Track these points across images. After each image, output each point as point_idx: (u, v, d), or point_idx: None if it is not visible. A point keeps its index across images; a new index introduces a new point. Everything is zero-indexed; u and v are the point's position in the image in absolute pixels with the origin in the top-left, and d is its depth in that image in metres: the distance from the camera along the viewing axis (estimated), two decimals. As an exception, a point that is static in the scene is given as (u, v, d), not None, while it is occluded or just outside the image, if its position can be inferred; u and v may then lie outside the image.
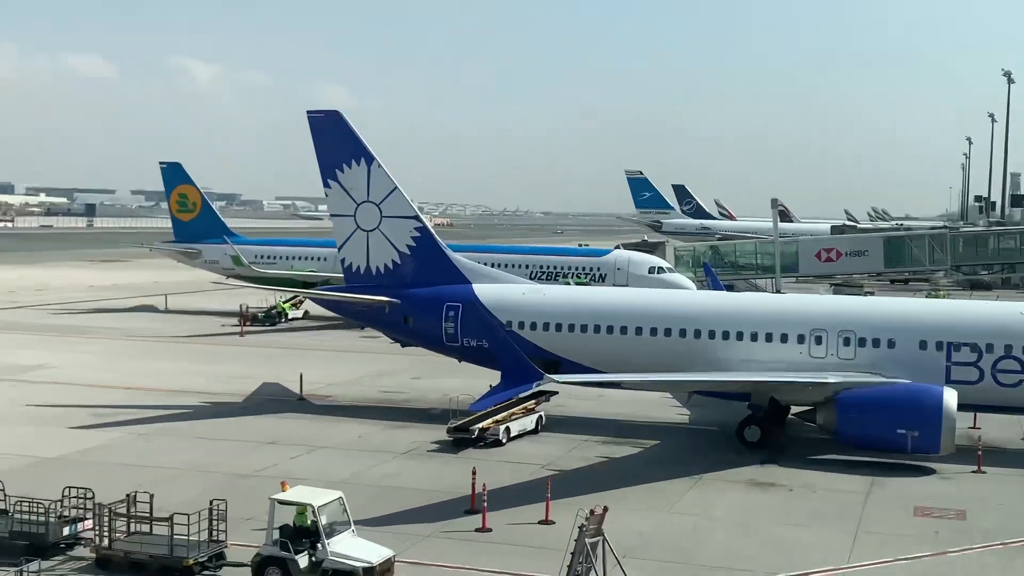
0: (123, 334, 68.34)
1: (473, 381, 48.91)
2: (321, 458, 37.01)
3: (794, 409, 41.63)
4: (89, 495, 27.75)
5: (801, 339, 40.51)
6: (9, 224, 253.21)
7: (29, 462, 35.37)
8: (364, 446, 38.89)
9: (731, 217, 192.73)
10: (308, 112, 46.90)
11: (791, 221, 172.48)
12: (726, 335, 41.39)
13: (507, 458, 37.28)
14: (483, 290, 45.39)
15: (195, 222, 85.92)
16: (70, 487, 28.11)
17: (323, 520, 25.08)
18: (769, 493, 33.81)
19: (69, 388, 48.83)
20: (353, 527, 25.96)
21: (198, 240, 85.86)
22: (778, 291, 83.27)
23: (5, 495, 28.10)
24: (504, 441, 39.07)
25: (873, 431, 36.73)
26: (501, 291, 45.65)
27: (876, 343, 39.70)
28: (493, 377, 41.69)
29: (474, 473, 31.88)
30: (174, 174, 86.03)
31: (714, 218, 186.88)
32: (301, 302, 78.01)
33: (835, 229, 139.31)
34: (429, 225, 47.95)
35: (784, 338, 40.73)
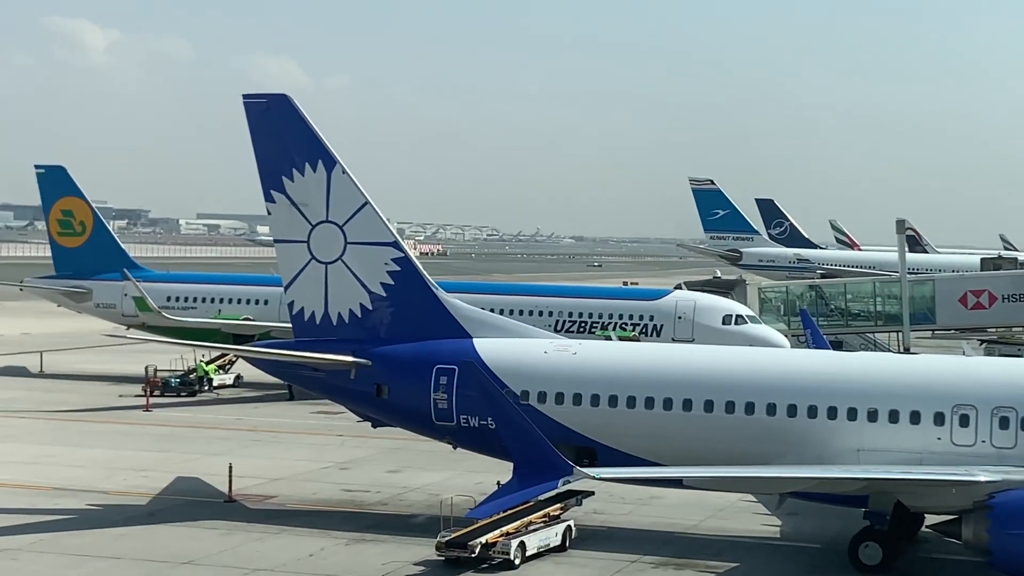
0: (-20, 407, 68.54)
1: (474, 476, 48.96)
2: (258, 585, 36.96)
3: (929, 519, 41.47)
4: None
5: (939, 419, 40.41)
6: None
7: None
8: (318, 568, 38.89)
9: (853, 246, 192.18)
10: (244, 96, 47.35)
11: (925, 251, 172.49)
12: (832, 413, 41.32)
13: (521, 587, 37.17)
14: (488, 347, 45.52)
15: (84, 249, 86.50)
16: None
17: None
18: (895, 639, 33.63)
19: (-97, 484, 48.91)
20: None
21: (88, 275, 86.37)
22: (906, 350, 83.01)
23: None
24: (517, 562, 39.01)
25: (1044, 552, 36.50)
26: (514, 349, 45.77)
27: (1048, 425, 39.63)
28: (502, 471, 41.63)
29: (474, 608, 31.78)
30: (55, 182, 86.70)
31: (817, 246, 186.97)
32: (232, 363, 78.24)
33: (987, 262, 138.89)
34: (413, 255, 48.17)
35: (915, 418, 40.64)
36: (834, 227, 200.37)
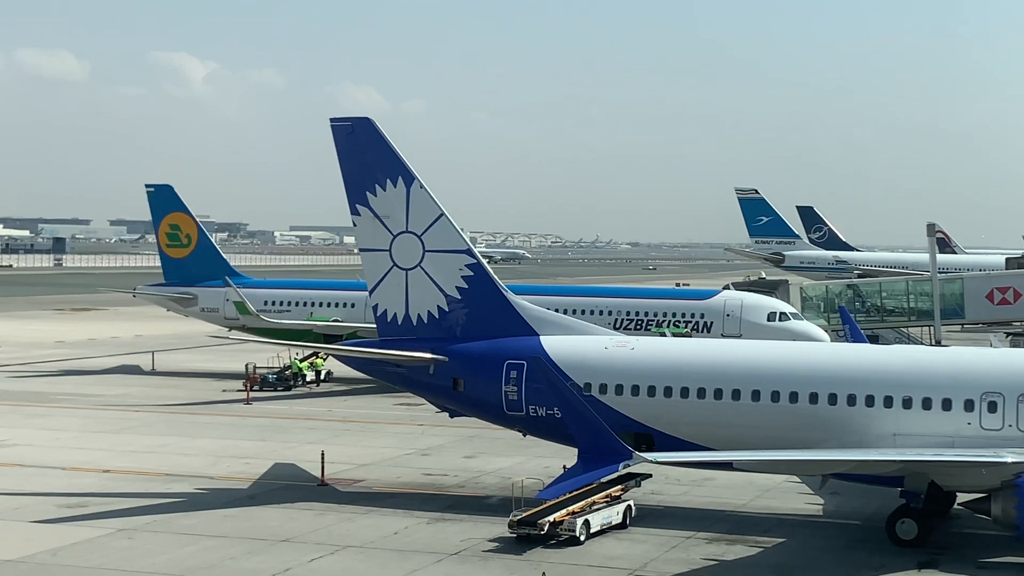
0: (99, 403, 69.38)
1: (542, 461, 48.92)
2: (347, 561, 37.13)
3: (961, 497, 41.01)
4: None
5: (969, 406, 39.94)
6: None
7: (-18, 565, 35.94)
8: (402, 545, 38.96)
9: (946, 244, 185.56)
10: (331, 120, 47.56)
11: (953, 252, 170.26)
12: (870, 401, 40.94)
13: (586, 560, 37.13)
14: (554, 344, 45.46)
15: (190, 259, 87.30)
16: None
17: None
18: (930, 608, 33.26)
19: (31, 472, 49.58)
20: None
21: (193, 282, 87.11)
22: (938, 343, 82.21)
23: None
24: (582, 538, 38.92)
25: (1067, 526, 35.97)
26: (577, 345, 45.68)
27: (1069, 411, 39.01)
28: (568, 456, 41.59)
29: (544, 580, 31.73)
30: (163, 199, 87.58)
31: (852, 248, 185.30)
32: (323, 360, 78.73)
33: (1012, 262, 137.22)
34: (484, 261, 48.24)
35: (947, 404, 40.19)
36: (935, 230, 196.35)
